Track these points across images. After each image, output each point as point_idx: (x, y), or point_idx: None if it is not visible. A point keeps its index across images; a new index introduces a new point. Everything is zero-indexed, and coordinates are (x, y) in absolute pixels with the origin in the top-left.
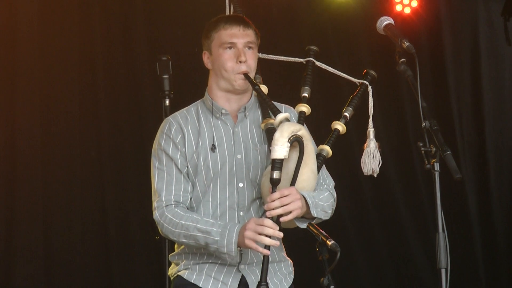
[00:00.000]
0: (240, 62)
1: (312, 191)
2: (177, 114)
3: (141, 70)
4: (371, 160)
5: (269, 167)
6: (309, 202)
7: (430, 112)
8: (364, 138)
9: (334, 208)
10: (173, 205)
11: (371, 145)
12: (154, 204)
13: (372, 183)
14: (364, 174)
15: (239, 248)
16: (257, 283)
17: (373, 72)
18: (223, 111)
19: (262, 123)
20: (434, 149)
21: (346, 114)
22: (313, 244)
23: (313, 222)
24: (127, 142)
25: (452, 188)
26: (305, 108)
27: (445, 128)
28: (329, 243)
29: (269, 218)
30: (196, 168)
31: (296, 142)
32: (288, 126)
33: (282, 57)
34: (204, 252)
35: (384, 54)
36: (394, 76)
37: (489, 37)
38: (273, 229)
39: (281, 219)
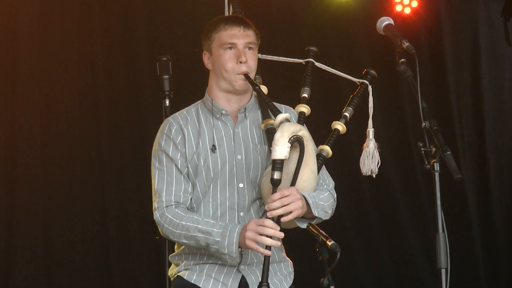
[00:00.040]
0: (241, 62)
1: (312, 191)
2: (177, 114)
3: (141, 70)
4: (370, 160)
5: (269, 168)
6: (310, 202)
7: (430, 112)
8: (364, 138)
9: (334, 208)
10: (174, 206)
11: (370, 145)
12: (155, 204)
13: (372, 183)
14: (363, 174)
15: (239, 248)
16: (257, 284)
17: (373, 72)
18: (223, 112)
19: (262, 123)
20: (434, 149)
21: (346, 114)
22: (313, 244)
23: (313, 222)
24: (127, 142)
25: (452, 188)
26: (305, 108)
27: (445, 128)
28: (329, 243)
29: (269, 218)
30: (197, 168)
31: (296, 142)
32: (289, 126)
33: (281, 57)
34: (204, 253)
35: (384, 54)
36: (394, 76)
37: (489, 37)
38: (274, 229)
39: (282, 219)
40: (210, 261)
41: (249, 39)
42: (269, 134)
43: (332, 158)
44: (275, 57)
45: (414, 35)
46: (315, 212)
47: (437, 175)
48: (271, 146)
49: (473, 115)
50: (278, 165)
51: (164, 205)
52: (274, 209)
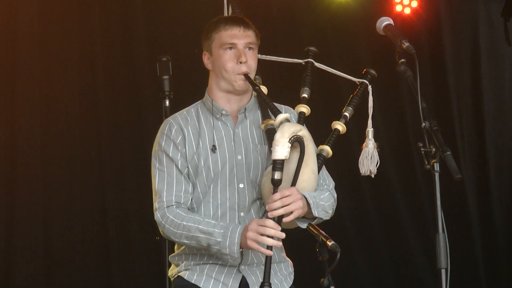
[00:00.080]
0: (241, 62)
1: (313, 191)
2: (177, 115)
3: (141, 70)
4: (369, 161)
5: (270, 168)
6: (310, 202)
7: (430, 112)
8: (364, 138)
9: (334, 208)
10: (174, 206)
11: (370, 145)
12: (155, 205)
13: (372, 183)
14: (361, 174)
15: (240, 249)
16: (257, 284)
17: (373, 71)
18: (223, 112)
19: (262, 123)
20: (434, 149)
21: (346, 114)
22: (313, 244)
23: (314, 222)
24: (127, 142)
25: (452, 188)
26: (304, 108)
27: (445, 128)
28: (329, 243)
29: (270, 218)
30: (197, 169)
31: (296, 142)
32: (289, 126)
33: (281, 58)
34: (204, 253)
35: (384, 54)
36: (394, 76)
37: (489, 38)
38: (275, 229)
39: (283, 219)
40: (211, 262)
41: (249, 39)
42: (269, 134)
43: (332, 158)
44: (275, 57)
45: (414, 35)
46: (316, 213)
47: (437, 175)
48: (271, 147)
49: (473, 115)
50: (278, 165)
51: (165, 206)
52: (275, 209)
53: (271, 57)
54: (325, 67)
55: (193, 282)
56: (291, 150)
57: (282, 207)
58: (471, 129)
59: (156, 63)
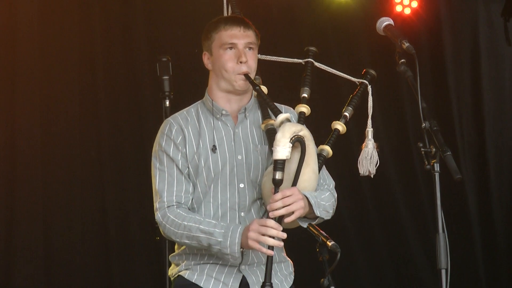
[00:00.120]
0: (241, 62)
1: (314, 191)
2: (177, 115)
3: (141, 70)
4: (368, 161)
5: (270, 168)
6: (312, 202)
7: (430, 112)
8: (364, 138)
9: (335, 208)
10: (175, 206)
11: (369, 146)
12: (156, 205)
13: (372, 183)
14: (360, 175)
15: (241, 248)
16: (257, 284)
17: (372, 72)
18: (224, 112)
19: (262, 123)
20: (434, 149)
21: (346, 114)
22: (313, 244)
23: (315, 222)
24: (127, 142)
25: (452, 188)
26: (304, 108)
27: (445, 128)
28: (329, 243)
29: (271, 218)
30: (197, 169)
31: (297, 142)
32: (290, 126)
33: (281, 58)
34: (205, 253)
35: (384, 54)
36: (394, 76)
37: (489, 38)
38: (276, 229)
39: (284, 219)
40: (211, 261)
41: (249, 39)
42: (269, 134)
43: (332, 158)
44: (274, 57)
45: (414, 36)
46: (317, 212)
47: (437, 175)
48: (271, 147)
49: (473, 115)
50: (279, 165)
51: (165, 206)
52: (276, 209)
53: (271, 57)
54: (325, 67)
55: (193, 281)
56: (292, 150)
57: (283, 207)
58: (471, 129)
59: (156, 63)
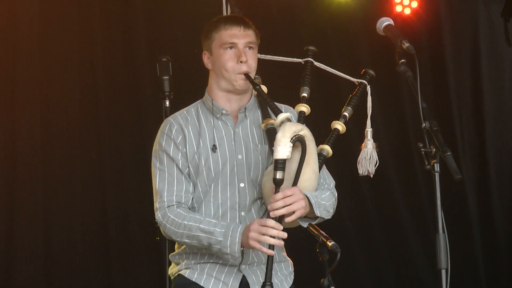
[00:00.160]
0: (241, 62)
1: (314, 191)
2: (177, 114)
3: (141, 70)
4: (367, 161)
5: (270, 167)
6: (312, 201)
7: (430, 112)
8: (364, 138)
9: (335, 207)
10: (175, 206)
11: (369, 146)
12: (156, 205)
13: (372, 183)
14: (359, 175)
15: (242, 248)
16: (257, 283)
17: (371, 72)
18: (224, 112)
19: (262, 123)
20: (434, 149)
21: (346, 113)
22: (313, 244)
23: (315, 221)
24: (127, 142)
25: (452, 188)
26: (304, 108)
27: (445, 129)
28: (329, 244)
29: (272, 218)
30: (197, 168)
31: (298, 142)
32: (290, 126)
33: (280, 57)
34: (205, 252)
35: (384, 54)
36: (394, 76)
37: (489, 38)
38: (277, 229)
39: (285, 219)
40: (211, 261)
41: (249, 38)
42: (269, 134)
43: (332, 158)
44: (274, 56)
45: (414, 36)
46: (317, 212)
47: (437, 175)
48: (271, 146)
49: (473, 115)
50: (280, 164)
51: (165, 205)
52: (276, 209)
53: (271, 56)
54: (324, 66)
55: (193, 280)
56: (292, 149)
57: (284, 206)
58: (471, 129)
59: (156, 63)
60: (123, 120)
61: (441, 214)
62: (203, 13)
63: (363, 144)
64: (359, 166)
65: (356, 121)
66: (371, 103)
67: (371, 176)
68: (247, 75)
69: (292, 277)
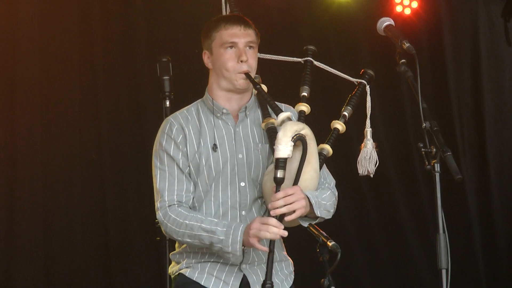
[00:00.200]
0: (241, 61)
1: (314, 190)
2: (178, 114)
3: (141, 71)
4: (367, 161)
5: (271, 167)
6: (313, 202)
7: (430, 112)
8: (364, 138)
9: (335, 206)
10: (176, 205)
11: (368, 146)
12: (157, 204)
13: (372, 183)
14: (359, 175)
15: (243, 247)
16: (258, 283)
17: (370, 71)
18: (224, 111)
19: (262, 122)
20: (434, 150)
21: (345, 113)
22: (314, 244)
23: (316, 221)
24: (127, 142)
25: (452, 188)
26: (304, 107)
27: (445, 129)
28: (330, 244)
29: (273, 217)
30: (198, 167)
31: (299, 141)
32: (292, 125)
33: (280, 56)
34: (206, 252)
35: (385, 54)
36: (394, 76)
37: (489, 38)
38: (278, 228)
39: (285, 218)
40: (212, 260)
41: (249, 38)
42: (270, 133)
43: (332, 158)
44: (274, 56)
45: (414, 36)
46: (317, 212)
47: (437, 175)
48: (272, 145)
49: (473, 115)
50: (281, 163)
51: (166, 205)
52: (277, 208)
53: (270, 56)
54: (324, 66)
55: (194, 279)
56: (293, 148)
57: (285, 205)
58: (471, 129)
59: (156, 63)
60: (123, 120)
61: (442, 214)
62: (203, 13)
63: (362, 144)
64: (359, 166)
65: (356, 121)
66: (370, 103)
67: (371, 176)
68: (247, 75)
69: (292, 276)
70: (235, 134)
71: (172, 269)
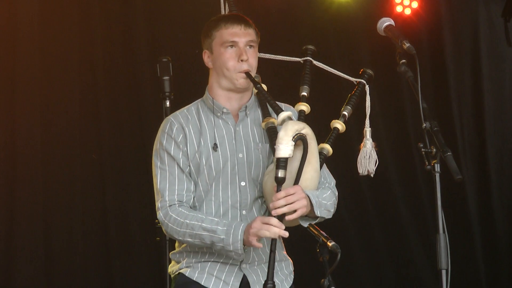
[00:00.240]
0: (242, 60)
1: (315, 190)
2: (178, 113)
3: (141, 71)
4: (366, 161)
5: (271, 166)
6: (313, 201)
7: (430, 112)
8: (363, 137)
9: (336, 206)
10: (177, 205)
11: (368, 145)
12: (158, 204)
13: (372, 183)
14: (359, 174)
15: (244, 246)
16: (258, 282)
17: (370, 71)
18: (224, 110)
19: (262, 122)
20: (434, 150)
21: (345, 113)
22: (314, 244)
23: (316, 221)
24: (127, 142)
25: (452, 188)
26: (304, 107)
27: (446, 129)
28: (330, 244)
29: (274, 216)
30: (199, 167)
31: (300, 140)
32: (292, 124)
33: (279, 56)
34: (206, 251)
35: (385, 54)
36: (394, 76)
37: (489, 38)
38: (278, 227)
39: (286, 217)
40: (212, 259)
41: (250, 37)
42: (270, 132)
43: (332, 158)
44: (273, 55)
45: (414, 36)
46: (318, 212)
47: (437, 175)
48: (272, 145)
49: (473, 115)
50: (282, 163)
51: (167, 205)
52: (278, 207)
53: (270, 55)
54: (323, 65)
55: (194, 279)
56: (294, 148)
57: (286, 205)
58: (471, 129)
59: (157, 63)
60: (123, 120)
61: (442, 214)
62: (203, 13)
63: (362, 144)
64: (359, 166)
65: (356, 121)
66: (369, 103)
67: (371, 175)
68: (247, 74)
69: (292, 276)
70: (235, 134)
71: (172, 268)
